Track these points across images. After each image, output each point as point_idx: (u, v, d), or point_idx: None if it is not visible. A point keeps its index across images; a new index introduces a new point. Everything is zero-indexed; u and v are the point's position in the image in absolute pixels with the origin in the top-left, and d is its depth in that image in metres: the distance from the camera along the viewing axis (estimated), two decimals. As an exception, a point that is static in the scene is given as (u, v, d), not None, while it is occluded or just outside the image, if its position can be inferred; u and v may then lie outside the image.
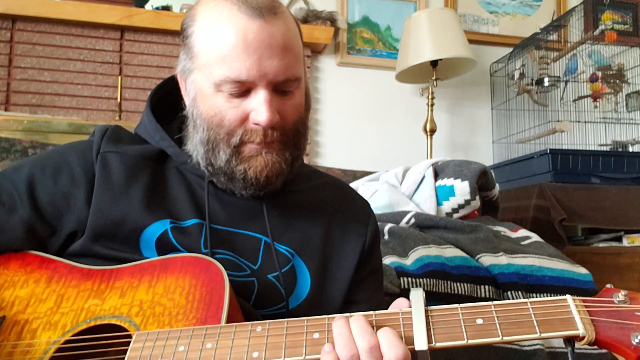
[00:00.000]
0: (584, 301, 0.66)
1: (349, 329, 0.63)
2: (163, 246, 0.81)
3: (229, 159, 0.82)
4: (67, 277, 0.77)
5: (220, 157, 0.83)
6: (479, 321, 0.65)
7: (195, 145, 0.86)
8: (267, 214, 0.87)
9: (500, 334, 0.64)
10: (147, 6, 2.51)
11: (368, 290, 0.94)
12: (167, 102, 0.95)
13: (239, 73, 0.78)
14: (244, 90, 0.80)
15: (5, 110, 2.29)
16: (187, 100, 0.87)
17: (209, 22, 0.80)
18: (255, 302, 0.83)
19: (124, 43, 2.48)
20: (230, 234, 0.86)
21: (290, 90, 0.82)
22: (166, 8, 2.50)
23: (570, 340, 0.65)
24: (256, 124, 0.80)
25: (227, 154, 0.82)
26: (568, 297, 0.66)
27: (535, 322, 0.64)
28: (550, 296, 1.50)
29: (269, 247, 0.86)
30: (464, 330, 0.64)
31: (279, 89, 0.81)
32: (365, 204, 1.01)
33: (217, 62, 0.79)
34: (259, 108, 0.79)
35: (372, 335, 0.62)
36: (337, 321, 0.65)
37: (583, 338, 0.63)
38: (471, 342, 0.63)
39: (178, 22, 2.36)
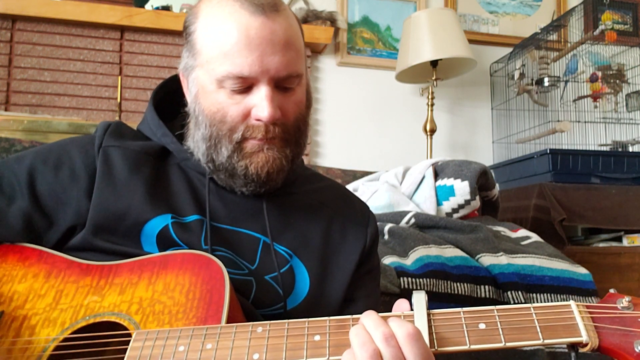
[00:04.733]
0: (587, 307, 0.65)
1: (364, 328, 0.63)
2: (164, 241, 0.81)
3: (230, 155, 0.82)
4: (65, 272, 0.77)
5: (222, 153, 0.83)
6: (482, 326, 0.64)
7: (196, 142, 0.86)
8: (267, 214, 0.87)
9: (503, 339, 0.63)
10: (147, 6, 2.51)
11: (366, 287, 0.94)
12: (170, 100, 0.96)
13: (241, 69, 0.78)
14: (246, 86, 0.80)
15: (5, 110, 2.29)
16: (188, 97, 0.87)
17: (211, 19, 0.81)
18: (254, 301, 0.82)
19: (124, 43, 2.48)
20: (230, 232, 0.86)
21: (291, 87, 0.83)
22: (166, 8, 2.50)
23: (573, 346, 0.64)
24: (258, 120, 0.80)
25: (228, 150, 0.82)
26: (572, 302, 0.65)
27: (538, 327, 0.63)
28: (551, 296, 1.51)
29: (267, 248, 0.86)
30: (466, 335, 0.64)
31: (281, 85, 0.81)
32: (364, 207, 1.01)
33: (219, 59, 0.79)
34: (260, 104, 0.79)
35: (385, 326, 0.61)
36: (353, 326, 0.64)
37: (586, 345, 0.62)
38: (474, 347, 0.63)
39: (178, 22, 2.40)
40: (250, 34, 0.78)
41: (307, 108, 0.89)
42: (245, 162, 0.82)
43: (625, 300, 0.64)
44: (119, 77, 2.45)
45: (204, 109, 0.83)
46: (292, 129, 0.84)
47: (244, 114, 0.81)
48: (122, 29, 2.47)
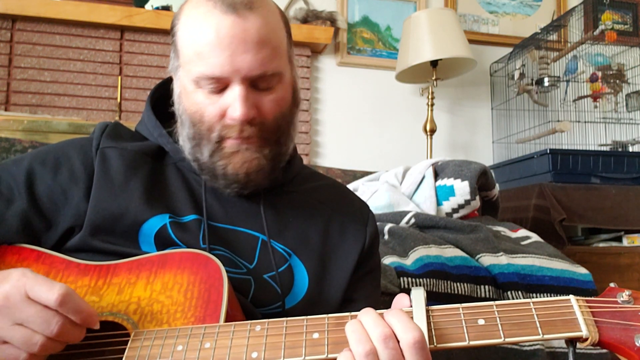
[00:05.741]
0: (587, 301, 0.64)
1: (362, 325, 0.63)
2: (162, 241, 0.81)
3: (211, 155, 0.83)
4: (64, 272, 0.77)
5: (204, 153, 0.83)
6: (481, 322, 0.64)
7: (183, 142, 0.87)
8: (264, 212, 0.87)
9: (502, 335, 0.63)
10: (147, 6, 2.51)
11: (366, 288, 0.94)
12: (167, 101, 0.96)
13: (213, 69, 0.78)
14: (221, 87, 0.80)
15: (5, 110, 2.29)
16: (174, 97, 0.88)
17: (189, 20, 0.82)
18: (252, 300, 0.82)
19: (124, 43, 2.48)
20: (228, 231, 0.86)
21: (270, 86, 0.82)
22: (166, 8, 2.50)
23: (572, 341, 0.63)
24: (232, 119, 0.80)
25: (209, 149, 0.83)
26: (571, 297, 0.65)
27: (537, 323, 0.63)
28: (551, 296, 1.51)
29: (265, 246, 0.86)
30: (465, 331, 0.63)
31: (257, 84, 0.81)
32: (364, 206, 1.01)
33: (194, 59, 0.80)
34: (233, 104, 0.79)
35: (384, 326, 0.61)
36: (350, 321, 0.64)
37: (586, 339, 0.62)
38: (473, 343, 0.62)
39: (178, 22, 2.39)
40: (221, 34, 0.78)
41: (293, 106, 0.88)
42: (224, 161, 0.83)
43: (625, 294, 0.63)
44: (119, 77, 2.45)
45: (186, 109, 0.84)
46: (272, 128, 0.84)
47: (220, 114, 0.81)
48: (122, 29, 2.47)
